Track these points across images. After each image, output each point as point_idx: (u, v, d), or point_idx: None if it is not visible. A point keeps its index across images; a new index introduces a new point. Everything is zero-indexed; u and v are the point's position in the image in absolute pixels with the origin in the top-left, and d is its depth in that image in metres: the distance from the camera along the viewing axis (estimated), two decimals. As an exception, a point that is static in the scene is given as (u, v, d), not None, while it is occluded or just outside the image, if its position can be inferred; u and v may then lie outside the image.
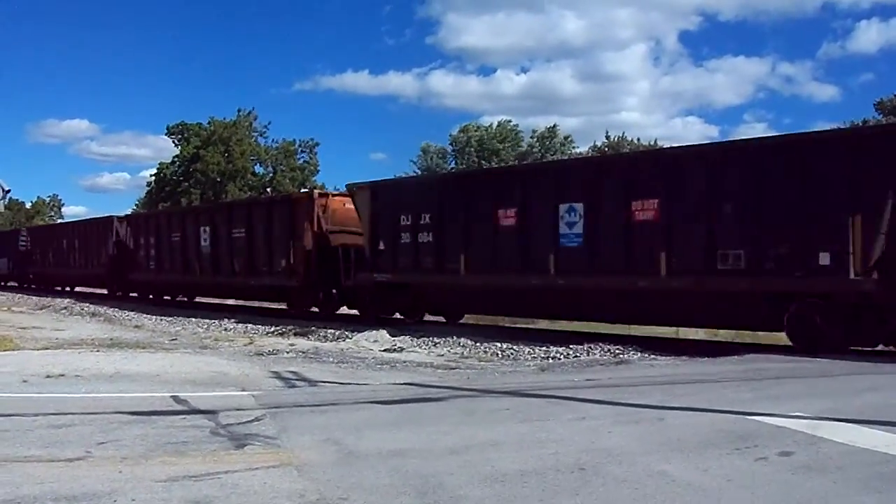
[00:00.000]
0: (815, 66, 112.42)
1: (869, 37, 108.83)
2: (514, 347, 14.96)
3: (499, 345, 15.26)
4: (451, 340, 16.12)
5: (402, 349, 15.42)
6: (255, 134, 69.81)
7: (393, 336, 16.86)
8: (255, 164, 69.40)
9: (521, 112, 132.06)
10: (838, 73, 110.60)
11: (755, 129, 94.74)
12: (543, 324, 20.78)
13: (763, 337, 16.24)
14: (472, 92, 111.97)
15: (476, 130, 72.10)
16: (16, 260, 45.19)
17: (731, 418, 7.10)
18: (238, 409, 7.65)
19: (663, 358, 13.20)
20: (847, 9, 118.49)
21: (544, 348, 14.48)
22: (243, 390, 9.29)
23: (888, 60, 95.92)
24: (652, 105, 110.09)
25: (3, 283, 47.90)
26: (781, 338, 15.88)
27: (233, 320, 22.02)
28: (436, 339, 16.27)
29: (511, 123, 73.21)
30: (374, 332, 17.26)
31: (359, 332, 17.52)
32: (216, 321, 21.88)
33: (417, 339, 16.57)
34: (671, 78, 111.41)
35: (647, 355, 13.56)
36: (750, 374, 10.85)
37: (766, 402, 7.98)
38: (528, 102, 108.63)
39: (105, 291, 35.29)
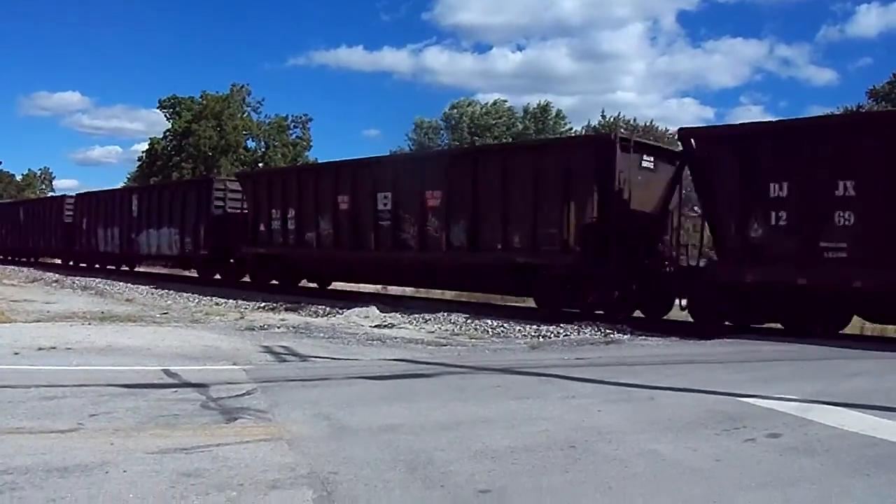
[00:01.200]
0: (813, 49, 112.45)
1: (869, 21, 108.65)
2: (505, 325, 14.98)
3: (490, 322, 15.28)
4: (441, 317, 16.15)
5: (392, 325, 15.42)
6: (248, 109, 69.74)
7: (383, 312, 16.88)
8: (248, 139, 69.29)
9: (516, 90, 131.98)
10: (836, 57, 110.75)
11: (751, 112, 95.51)
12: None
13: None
14: (467, 69, 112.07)
15: (469, 106, 72.00)
16: (204, 232, 27.18)
17: (720, 399, 7.15)
18: (229, 383, 7.66)
19: (654, 338, 13.24)
20: None
21: (535, 326, 14.51)
22: (234, 364, 9.29)
23: (887, 45, 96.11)
24: (648, 85, 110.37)
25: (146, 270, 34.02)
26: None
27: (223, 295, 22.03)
28: (427, 316, 16.29)
29: (506, 104, 73.16)
30: (365, 307, 17.30)
31: (349, 307, 17.54)
32: (207, 296, 21.87)
33: (408, 315, 16.59)
34: (668, 58, 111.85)
35: (637, 335, 13.62)
36: (740, 356, 10.91)
37: (755, 384, 8.02)
38: (524, 81, 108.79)
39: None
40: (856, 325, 16.07)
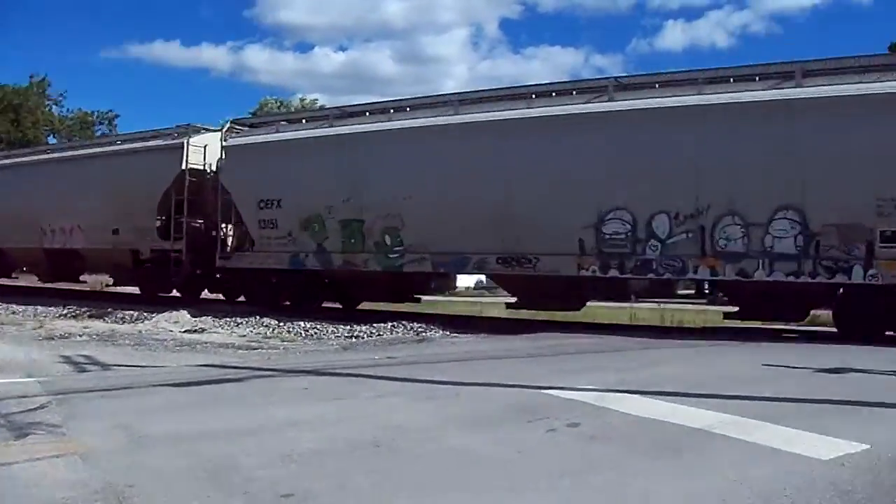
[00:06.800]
0: (625, 59, 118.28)
1: (675, 36, 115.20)
2: (319, 327, 14.93)
3: (303, 324, 15.19)
4: (254, 320, 15.93)
5: (203, 330, 15.09)
6: (50, 102, 66.36)
7: (194, 317, 16.46)
8: (49, 135, 65.86)
9: (339, 91, 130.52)
10: (646, 69, 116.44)
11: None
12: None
13: (560, 316, 16.87)
14: (289, 69, 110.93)
15: (278, 106, 70.89)
16: None
17: (524, 392, 7.34)
18: (22, 397, 7.23)
19: (464, 336, 13.51)
20: (657, 8, 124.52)
21: (348, 327, 14.52)
22: (29, 377, 8.80)
23: (691, 60, 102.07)
24: (470, 89, 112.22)
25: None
26: (578, 316, 16.56)
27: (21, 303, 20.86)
28: (238, 320, 16.04)
29: (317, 102, 72.46)
30: (175, 312, 16.83)
31: (159, 313, 17.00)
32: (2, 304, 20.66)
33: (220, 319, 16.25)
34: (490, 63, 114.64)
35: (448, 333, 13.84)
36: (546, 350, 11.25)
37: (558, 376, 8.27)
38: (346, 81, 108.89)
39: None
40: (655, 315, 16.88)
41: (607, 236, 15.04)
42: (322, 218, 18.73)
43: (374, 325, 14.70)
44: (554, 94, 16.88)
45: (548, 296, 16.55)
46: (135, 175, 22.18)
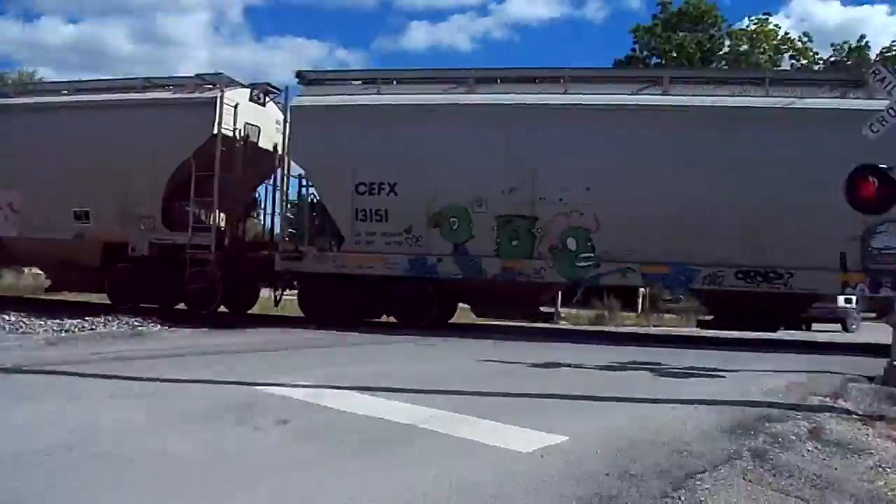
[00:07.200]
0: (369, 55, 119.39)
1: (419, 36, 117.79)
2: (26, 320, 13.88)
3: (6, 317, 14.05)
4: (-53, 314, 14.58)
5: None
6: None
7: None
8: None
9: (68, 66, 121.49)
10: (392, 66, 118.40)
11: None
12: (69, 296, 19.78)
13: (291, 308, 16.73)
14: (12, 38, 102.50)
15: (-3, 81, 65.86)
16: None
17: (238, 389, 7.19)
18: None
19: (183, 330, 13.08)
20: (402, 7, 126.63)
21: (58, 321, 13.62)
22: None
23: (431, 60, 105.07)
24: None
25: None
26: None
27: None
28: (-72, 314, 14.61)
29: (37, 75, 67.90)
30: None
31: None
32: None
33: None
34: (231, 50, 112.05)
35: (167, 327, 13.34)
36: (267, 346, 11.12)
37: (275, 373, 8.16)
38: (77, 56, 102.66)
39: None
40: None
41: (876, 250, 13.14)
42: (467, 212, 15.22)
43: (88, 318, 13.89)
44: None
45: (798, 318, 15.34)
46: (133, 138, 16.46)
